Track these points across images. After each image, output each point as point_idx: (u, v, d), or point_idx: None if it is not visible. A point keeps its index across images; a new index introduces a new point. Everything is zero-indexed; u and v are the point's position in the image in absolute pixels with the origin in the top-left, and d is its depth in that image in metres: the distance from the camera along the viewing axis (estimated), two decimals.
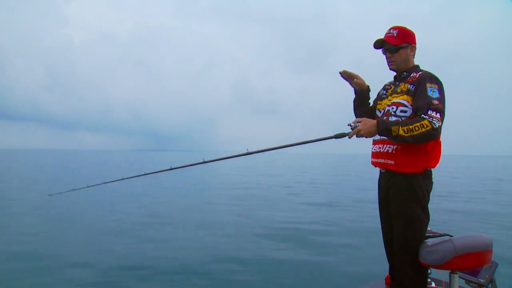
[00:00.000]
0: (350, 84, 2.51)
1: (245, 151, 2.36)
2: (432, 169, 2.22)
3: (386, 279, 2.99)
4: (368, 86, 2.51)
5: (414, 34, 2.28)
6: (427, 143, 2.09)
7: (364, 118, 2.13)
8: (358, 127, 2.06)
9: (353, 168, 36.50)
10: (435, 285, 2.64)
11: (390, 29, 2.28)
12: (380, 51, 2.34)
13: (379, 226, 2.47)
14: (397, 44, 2.23)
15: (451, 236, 2.25)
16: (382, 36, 2.29)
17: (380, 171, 2.40)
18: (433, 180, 2.24)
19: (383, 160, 2.26)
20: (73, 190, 4.24)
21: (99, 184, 3.60)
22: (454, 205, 10.88)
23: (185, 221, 8.15)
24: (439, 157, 2.19)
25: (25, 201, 10.88)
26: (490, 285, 2.36)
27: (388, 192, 2.28)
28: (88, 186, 4.07)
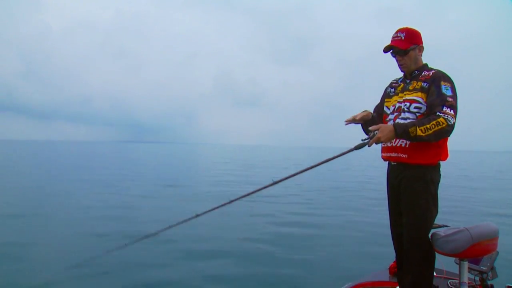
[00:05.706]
0: (356, 123, 2.49)
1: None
2: (441, 162, 2.30)
3: (389, 268, 3.06)
4: (371, 113, 2.52)
5: (420, 34, 2.33)
6: None
7: (381, 125, 2.15)
8: (377, 135, 2.07)
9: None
10: (436, 274, 2.72)
11: (397, 32, 2.32)
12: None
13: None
14: (406, 48, 2.29)
15: (448, 226, 2.34)
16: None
17: (390, 164, 2.42)
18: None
19: (396, 154, 2.29)
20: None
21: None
22: None
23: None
24: (448, 150, 2.28)
25: None
26: (490, 273, 2.46)
27: (399, 185, 2.31)
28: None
